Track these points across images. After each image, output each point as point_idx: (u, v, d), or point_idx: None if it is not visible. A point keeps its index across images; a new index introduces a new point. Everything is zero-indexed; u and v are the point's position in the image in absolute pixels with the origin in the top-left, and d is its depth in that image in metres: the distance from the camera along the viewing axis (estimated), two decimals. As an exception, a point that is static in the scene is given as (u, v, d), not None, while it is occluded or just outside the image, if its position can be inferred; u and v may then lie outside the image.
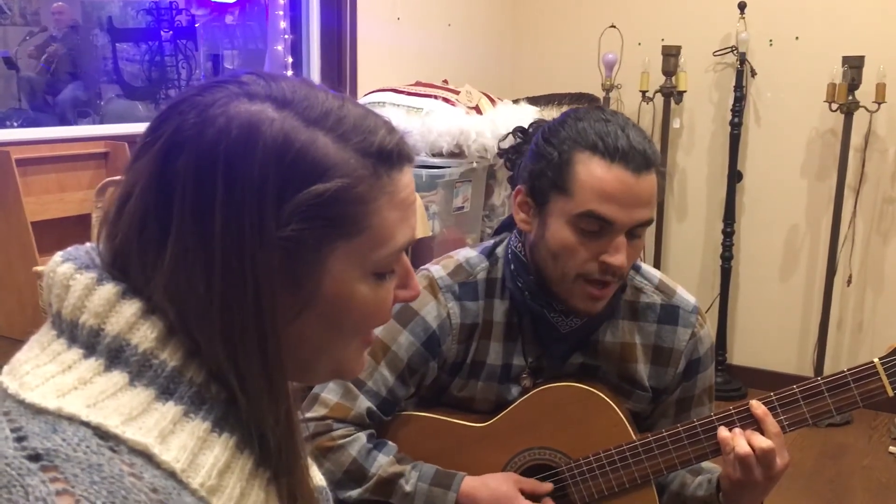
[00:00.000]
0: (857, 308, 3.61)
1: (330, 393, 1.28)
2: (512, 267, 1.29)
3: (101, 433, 0.55)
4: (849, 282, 3.55)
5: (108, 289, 0.60)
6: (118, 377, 0.58)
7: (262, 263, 0.59)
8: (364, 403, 1.27)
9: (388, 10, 3.32)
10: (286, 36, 3.07)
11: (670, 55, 3.58)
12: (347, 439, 1.25)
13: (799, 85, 3.53)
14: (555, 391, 1.30)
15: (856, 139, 3.41)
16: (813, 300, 3.64)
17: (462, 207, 2.85)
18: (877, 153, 3.47)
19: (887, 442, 3.22)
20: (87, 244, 0.65)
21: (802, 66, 3.51)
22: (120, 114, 3.80)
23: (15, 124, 3.40)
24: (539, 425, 1.30)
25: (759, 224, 3.72)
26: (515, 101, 3.10)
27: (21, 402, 0.56)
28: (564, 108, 1.28)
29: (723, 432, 1.21)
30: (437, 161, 2.73)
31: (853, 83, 3.27)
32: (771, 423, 1.20)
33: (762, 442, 1.18)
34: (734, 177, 3.64)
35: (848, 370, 1.21)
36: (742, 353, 3.80)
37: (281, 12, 3.07)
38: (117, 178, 0.63)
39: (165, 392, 0.59)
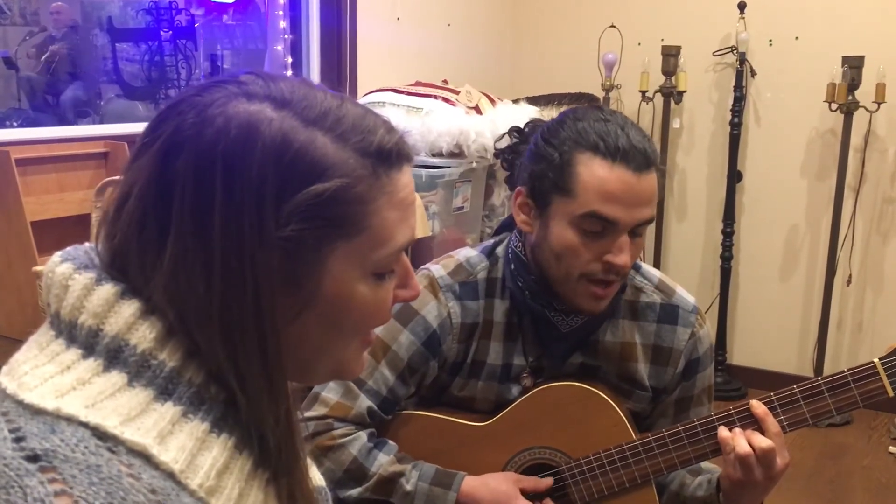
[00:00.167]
0: (857, 308, 3.61)
1: (330, 392, 1.28)
2: (512, 267, 1.29)
3: (100, 434, 0.55)
4: (848, 282, 3.55)
5: (107, 289, 0.60)
6: (117, 378, 0.58)
7: (262, 263, 0.59)
8: (365, 403, 1.27)
9: (388, 9, 3.32)
10: (286, 36, 3.07)
11: (670, 55, 3.58)
12: (348, 438, 1.26)
13: (799, 85, 3.53)
14: (555, 391, 1.30)
15: (855, 139, 3.41)
16: (813, 300, 3.64)
17: (462, 207, 2.85)
18: (876, 153, 3.47)
19: (887, 442, 3.22)
20: (86, 244, 0.65)
21: (802, 66, 3.51)
22: (120, 114, 3.80)
23: (15, 124, 3.40)
24: (539, 425, 1.30)
25: (759, 224, 3.72)
26: (515, 101, 3.10)
27: (20, 403, 0.56)
28: (564, 108, 1.27)
29: (723, 432, 1.21)
30: (436, 161, 2.72)
31: (853, 83, 3.27)
32: (771, 423, 1.20)
33: (762, 442, 1.18)
34: (734, 177, 3.64)
35: (848, 370, 1.21)
36: (742, 353, 3.80)
37: (281, 12, 3.07)
38: (117, 178, 0.63)
39: (164, 392, 0.59)
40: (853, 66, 3.26)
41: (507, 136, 1.38)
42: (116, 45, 3.95)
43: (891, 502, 2.88)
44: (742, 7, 3.51)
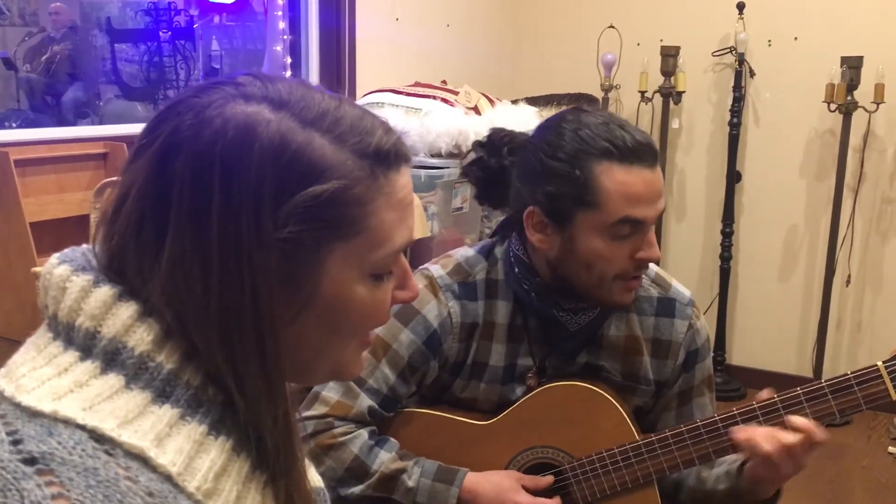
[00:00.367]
0: (856, 308, 3.61)
1: (331, 391, 1.28)
2: (516, 270, 1.29)
3: (97, 436, 0.55)
4: (847, 282, 3.55)
5: (105, 291, 0.60)
6: (114, 380, 0.58)
7: (260, 265, 0.58)
8: (365, 402, 1.27)
9: (387, 10, 3.32)
10: (285, 36, 3.07)
11: (669, 55, 3.58)
12: (349, 436, 1.26)
13: (798, 85, 3.53)
14: (558, 390, 1.30)
15: (854, 139, 3.41)
16: (812, 300, 3.64)
17: (461, 208, 2.85)
18: (875, 153, 3.47)
19: (886, 442, 3.22)
20: (84, 245, 0.65)
21: (801, 67, 3.51)
22: (119, 114, 3.80)
23: (14, 125, 3.40)
24: (542, 424, 1.30)
25: (758, 224, 3.72)
26: (514, 102, 3.10)
27: (17, 405, 0.56)
28: (564, 108, 1.27)
29: (739, 434, 1.19)
30: (435, 161, 2.72)
31: (852, 83, 3.27)
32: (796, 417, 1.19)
33: (790, 437, 1.17)
34: (733, 177, 3.64)
35: (851, 373, 1.21)
36: (741, 354, 3.80)
37: (280, 13, 3.07)
38: (116, 178, 0.63)
39: (162, 395, 0.58)
40: (852, 66, 3.26)
41: (472, 153, 1.37)
42: (115, 45, 3.95)
43: (890, 502, 2.88)
44: (741, 7, 3.51)
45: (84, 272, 0.61)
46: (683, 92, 3.62)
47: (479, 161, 1.34)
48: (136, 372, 0.58)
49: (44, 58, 3.75)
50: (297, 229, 0.59)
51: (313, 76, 3.17)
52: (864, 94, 3.29)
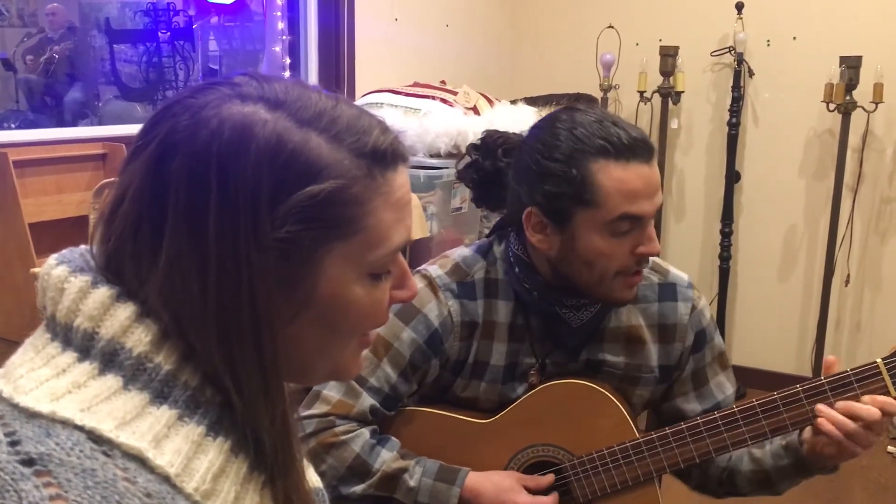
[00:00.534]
0: (855, 308, 3.61)
1: (332, 390, 1.28)
2: (517, 270, 1.29)
3: (95, 437, 0.55)
4: (847, 282, 3.55)
5: (103, 292, 0.60)
6: (112, 381, 0.58)
7: (257, 265, 0.58)
8: (367, 401, 1.27)
9: (386, 10, 3.32)
10: (284, 37, 3.07)
11: (668, 55, 3.58)
12: (350, 435, 1.26)
13: (797, 85, 3.53)
14: (559, 388, 1.30)
15: (853, 139, 3.41)
16: (811, 300, 3.64)
17: (460, 208, 2.85)
18: (874, 153, 3.47)
19: (885, 442, 3.22)
20: (82, 247, 0.65)
21: (800, 67, 3.51)
22: (118, 115, 3.80)
23: (13, 126, 3.40)
24: (543, 422, 1.31)
25: (758, 224, 3.72)
26: (513, 102, 3.10)
27: (15, 406, 0.56)
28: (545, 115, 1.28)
29: (826, 426, 1.19)
30: (434, 162, 2.72)
31: (851, 83, 3.27)
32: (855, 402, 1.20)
33: (867, 411, 1.17)
34: (732, 177, 3.64)
35: (851, 370, 1.21)
36: (740, 353, 3.80)
37: (279, 13, 3.07)
38: (115, 179, 0.63)
39: (160, 396, 0.58)
40: (851, 66, 3.26)
41: (466, 156, 1.37)
42: (114, 46, 3.95)
43: (889, 502, 2.88)
44: (740, 7, 3.51)
45: (82, 273, 0.61)
46: (682, 92, 3.62)
47: (474, 164, 1.35)
48: (134, 373, 0.58)
49: (43, 58, 3.75)
50: (294, 229, 0.59)
51: (312, 77, 3.17)
52: (862, 93, 3.29)
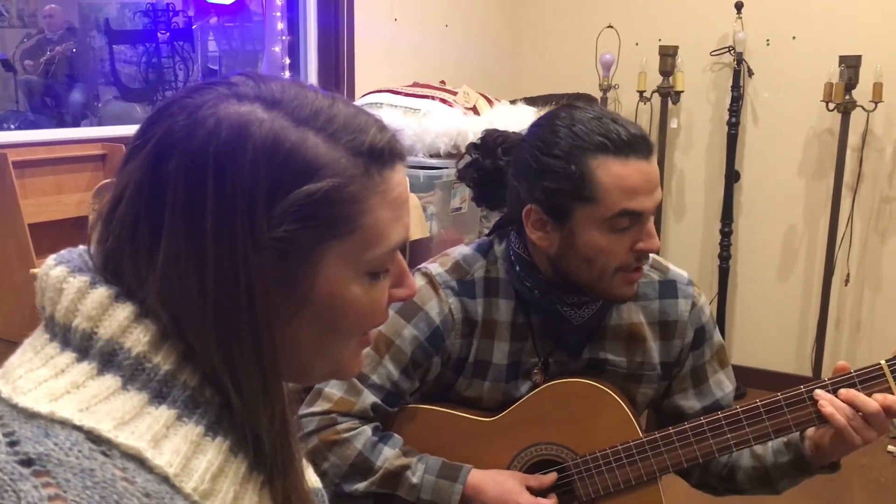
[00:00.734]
0: (855, 307, 3.61)
1: (333, 388, 1.28)
2: (517, 268, 1.29)
3: (94, 437, 0.55)
4: (846, 281, 3.55)
5: (101, 292, 0.60)
6: (111, 381, 0.58)
7: (255, 265, 0.58)
8: (369, 398, 1.27)
9: (386, 10, 3.32)
10: (283, 37, 3.07)
11: (667, 55, 3.58)
12: (352, 432, 1.26)
13: (796, 84, 3.53)
14: (562, 387, 1.31)
15: (853, 138, 3.41)
16: (811, 300, 3.64)
17: (460, 208, 2.85)
18: (874, 152, 3.47)
19: (885, 441, 3.21)
20: (81, 247, 0.65)
21: (799, 66, 3.51)
22: (117, 115, 3.80)
23: (12, 126, 3.40)
24: (546, 421, 1.31)
25: (757, 224, 3.72)
26: (513, 102, 3.10)
27: (14, 407, 0.56)
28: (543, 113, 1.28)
29: (827, 408, 1.20)
30: (434, 162, 2.72)
31: (850, 82, 3.27)
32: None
33: (864, 400, 1.18)
34: (732, 177, 3.64)
35: (854, 371, 1.21)
36: (741, 353, 3.80)
37: (278, 13, 3.07)
38: (113, 180, 0.63)
39: (158, 396, 0.58)
40: (850, 65, 3.26)
41: (466, 156, 1.38)
42: (114, 47, 3.95)
43: (889, 501, 2.87)
44: (739, 7, 3.51)
45: (81, 273, 0.61)
46: (682, 91, 3.62)
47: (474, 163, 1.35)
48: (132, 373, 0.58)
49: (42, 59, 3.75)
50: (291, 228, 0.59)
51: (312, 77, 3.17)
52: (862, 93, 3.29)
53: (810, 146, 3.59)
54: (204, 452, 0.59)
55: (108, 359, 0.58)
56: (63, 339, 0.60)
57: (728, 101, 3.60)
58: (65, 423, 0.55)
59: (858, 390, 1.20)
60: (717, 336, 1.40)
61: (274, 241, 0.59)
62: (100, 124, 3.71)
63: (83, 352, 0.59)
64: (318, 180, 0.60)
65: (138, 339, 0.59)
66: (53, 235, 2.13)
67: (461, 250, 1.36)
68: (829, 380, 1.22)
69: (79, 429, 0.55)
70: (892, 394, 1.20)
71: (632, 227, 1.19)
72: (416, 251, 2.58)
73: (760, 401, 1.25)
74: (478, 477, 1.26)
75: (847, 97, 3.30)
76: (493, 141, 1.33)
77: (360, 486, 1.26)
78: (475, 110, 2.87)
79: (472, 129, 2.71)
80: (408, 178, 0.69)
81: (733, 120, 3.59)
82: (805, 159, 3.60)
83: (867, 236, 3.54)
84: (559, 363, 1.33)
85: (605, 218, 1.17)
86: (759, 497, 1.41)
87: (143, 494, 0.54)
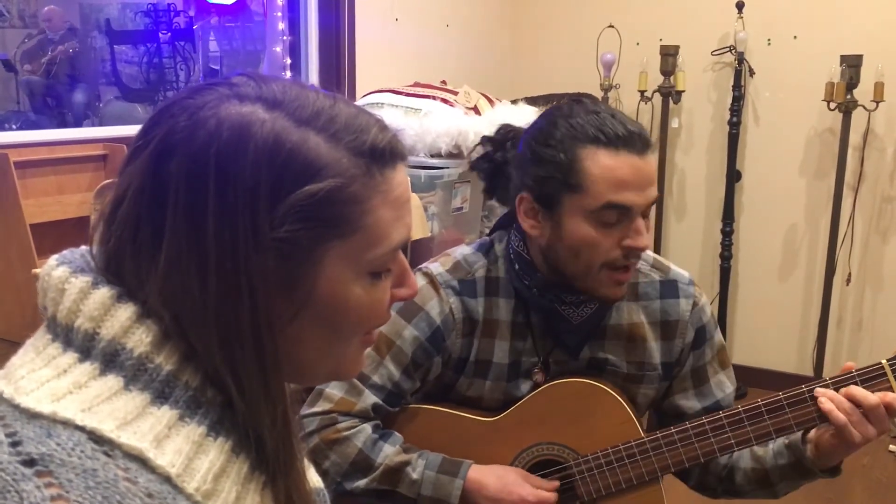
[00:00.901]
0: (857, 307, 3.61)
1: (334, 388, 1.28)
2: (517, 267, 1.29)
3: (96, 438, 0.55)
4: (848, 280, 3.55)
5: (103, 293, 0.60)
6: (113, 381, 0.58)
7: (257, 265, 0.58)
8: (370, 398, 1.28)
9: (387, 10, 3.32)
10: (284, 37, 3.07)
11: (668, 55, 3.58)
12: (353, 431, 1.26)
13: (797, 84, 3.53)
14: (564, 387, 1.31)
15: (854, 138, 3.41)
16: (812, 299, 3.64)
17: (461, 208, 2.85)
18: (875, 152, 3.47)
19: (887, 441, 3.21)
20: (83, 247, 0.65)
21: (801, 66, 3.51)
22: (119, 116, 3.80)
23: (14, 127, 3.41)
24: (548, 421, 1.31)
25: (758, 223, 3.72)
26: (514, 102, 3.10)
27: (16, 407, 0.56)
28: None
29: (826, 404, 1.20)
30: (435, 162, 2.72)
31: (851, 82, 3.27)
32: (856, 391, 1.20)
33: (870, 398, 1.17)
34: (733, 176, 3.64)
35: (856, 371, 1.21)
36: (742, 353, 3.80)
37: (279, 14, 3.07)
38: (115, 180, 0.63)
39: (160, 396, 0.58)
40: (851, 64, 3.26)
41: (479, 147, 1.39)
42: (115, 47, 3.95)
43: (890, 501, 2.87)
44: (740, 6, 3.51)
45: (83, 274, 0.61)
46: (683, 91, 3.62)
47: (485, 155, 1.37)
48: (135, 373, 0.58)
49: (44, 59, 3.75)
50: (293, 229, 0.59)
51: (313, 77, 3.17)
52: (863, 92, 3.29)
53: (811, 146, 3.58)
54: (206, 453, 0.59)
55: (110, 359, 0.58)
56: (65, 340, 0.60)
57: (729, 101, 3.60)
58: (67, 424, 0.55)
59: (860, 388, 1.20)
60: (719, 336, 1.39)
61: (276, 241, 0.59)
62: (101, 124, 3.71)
63: (85, 352, 0.59)
64: (320, 180, 0.60)
65: (140, 340, 0.59)
66: (55, 236, 2.14)
67: (462, 250, 1.36)
68: (830, 379, 1.22)
69: (81, 429, 0.55)
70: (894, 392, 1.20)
71: (620, 222, 1.18)
72: (418, 251, 2.58)
73: (762, 400, 1.25)
74: (479, 471, 1.26)
75: (848, 97, 3.30)
76: (504, 135, 1.35)
77: (361, 483, 1.26)
78: (476, 110, 2.87)
79: (473, 129, 2.71)
80: (409, 178, 0.69)
81: (734, 119, 3.58)
82: (806, 159, 3.60)
83: (868, 236, 3.54)
84: (559, 363, 1.33)
85: (592, 209, 1.17)
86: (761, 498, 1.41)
87: (146, 495, 0.54)
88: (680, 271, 1.38)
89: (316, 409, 1.28)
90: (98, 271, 0.61)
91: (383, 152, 0.64)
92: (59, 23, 3.84)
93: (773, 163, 3.65)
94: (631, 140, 1.17)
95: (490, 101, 2.97)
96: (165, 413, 0.58)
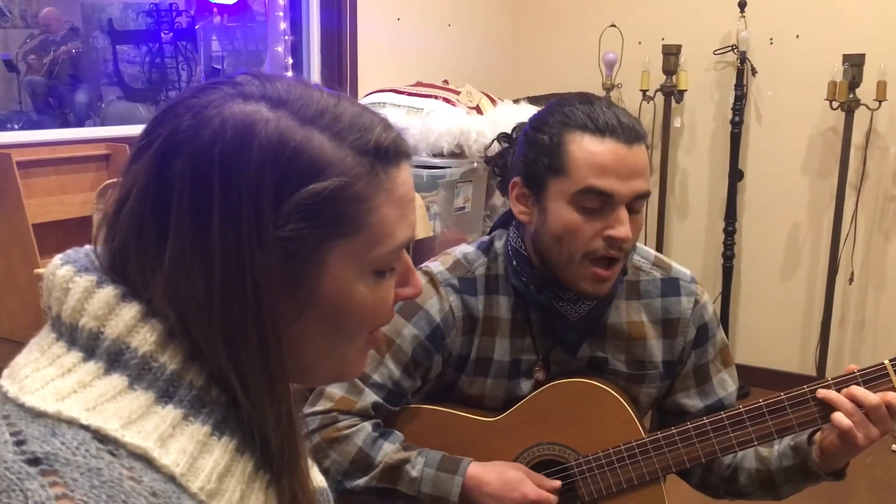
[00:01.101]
0: (859, 306, 3.60)
1: (335, 387, 1.29)
2: (514, 263, 1.30)
3: (101, 437, 0.55)
4: (850, 280, 3.54)
5: (108, 292, 0.60)
6: (118, 380, 0.58)
7: (261, 264, 0.58)
8: (370, 397, 1.28)
9: (388, 10, 3.32)
10: (286, 37, 3.07)
11: (671, 54, 3.58)
12: (353, 429, 1.27)
13: (800, 83, 3.53)
14: (565, 387, 1.31)
15: (857, 137, 3.41)
16: (815, 298, 3.64)
17: (463, 208, 2.85)
18: (878, 151, 3.47)
19: (890, 440, 3.20)
20: (87, 246, 0.65)
21: (803, 65, 3.51)
22: (121, 116, 3.81)
23: (16, 127, 3.41)
24: (548, 421, 1.31)
25: (761, 223, 3.71)
26: (516, 101, 3.10)
27: (21, 406, 0.56)
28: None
29: (831, 395, 1.20)
30: (437, 161, 2.73)
31: (854, 81, 3.27)
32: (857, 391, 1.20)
33: (872, 398, 1.17)
34: (735, 176, 3.64)
35: (858, 370, 1.21)
36: (744, 352, 3.80)
37: (281, 13, 3.07)
38: (118, 180, 0.63)
39: (165, 395, 0.58)
40: (854, 63, 3.26)
41: (496, 143, 1.40)
42: (117, 47, 3.96)
43: (893, 501, 2.87)
44: (742, 6, 3.51)
45: (87, 273, 0.61)
46: (685, 90, 3.61)
47: (503, 152, 1.38)
48: (139, 372, 0.58)
49: (46, 59, 3.76)
50: (297, 227, 0.59)
51: (315, 76, 3.17)
52: (866, 91, 3.28)
53: (814, 145, 3.58)
54: (210, 452, 0.59)
55: (114, 358, 0.58)
56: (69, 339, 0.60)
57: (731, 100, 3.60)
58: (72, 423, 0.55)
59: (862, 388, 1.20)
60: (721, 335, 1.39)
61: (280, 240, 0.59)
62: (103, 124, 3.71)
63: (90, 351, 0.59)
64: (324, 179, 0.60)
65: (145, 339, 0.59)
66: (57, 235, 2.14)
67: (463, 249, 1.36)
68: (832, 379, 1.22)
69: (86, 428, 0.55)
70: None
71: (602, 210, 1.18)
72: (420, 251, 2.58)
73: (763, 400, 1.24)
74: (478, 468, 1.26)
75: (851, 96, 3.29)
76: (517, 131, 1.36)
77: (361, 481, 1.27)
78: (478, 109, 2.87)
79: (475, 129, 2.71)
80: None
81: (737, 119, 3.58)
82: (809, 158, 3.59)
83: (871, 235, 3.54)
84: (559, 362, 1.33)
85: (572, 192, 1.17)
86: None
87: (150, 493, 0.54)
88: (682, 269, 1.38)
89: (317, 408, 1.28)
90: (102, 270, 0.61)
91: (387, 151, 0.64)
92: (57, 25, 3.84)
93: (775, 162, 3.64)
94: (619, 129, 1.17)
95: (492, 100, 2.98)
96: (170, 412, 0.58)
